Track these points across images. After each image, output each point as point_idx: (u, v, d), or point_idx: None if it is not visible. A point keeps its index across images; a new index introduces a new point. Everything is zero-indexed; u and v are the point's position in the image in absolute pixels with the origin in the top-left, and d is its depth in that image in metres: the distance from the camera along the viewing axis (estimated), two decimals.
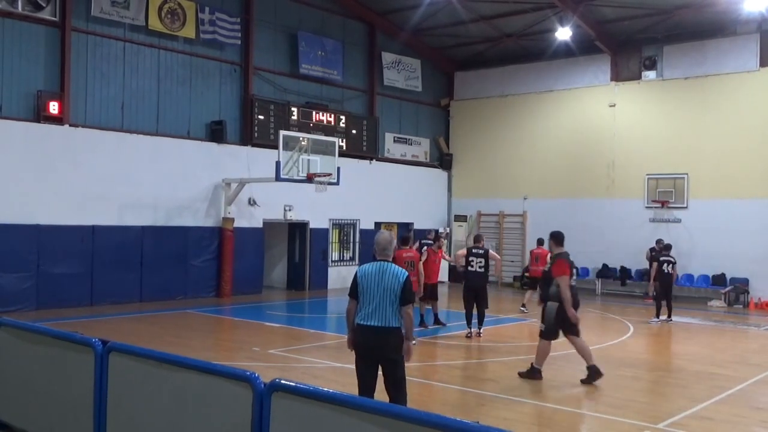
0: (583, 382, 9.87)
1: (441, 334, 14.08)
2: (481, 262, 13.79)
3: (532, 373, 10.08)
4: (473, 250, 13.93)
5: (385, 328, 6.54)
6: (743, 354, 13.03)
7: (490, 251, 14.29)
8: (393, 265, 6.74)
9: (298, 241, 22.26)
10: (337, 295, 19.91)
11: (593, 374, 9.83)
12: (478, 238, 14.51)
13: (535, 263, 17.54)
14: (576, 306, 9.95)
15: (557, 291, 9.78)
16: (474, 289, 13.76)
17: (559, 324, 9.89)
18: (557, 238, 10.26)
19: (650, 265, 17.89)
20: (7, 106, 16.04)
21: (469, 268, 13.81)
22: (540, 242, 18.04)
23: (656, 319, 16.53)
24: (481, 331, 13.81)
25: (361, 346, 6.68)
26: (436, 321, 14.91)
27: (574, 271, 10.31)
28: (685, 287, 21.14)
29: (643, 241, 21.67)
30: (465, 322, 13.80)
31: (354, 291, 6.72)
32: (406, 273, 6.72)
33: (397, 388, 6.68)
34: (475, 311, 13.79)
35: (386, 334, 6.56)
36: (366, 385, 6.62)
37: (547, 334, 10.01)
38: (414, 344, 7.69)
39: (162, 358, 5.40)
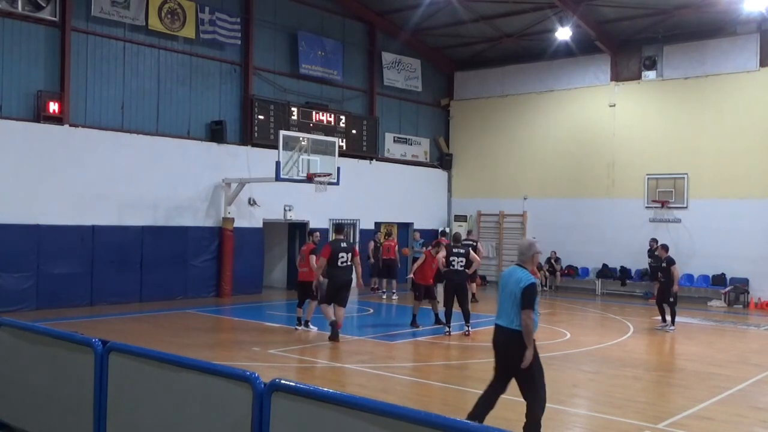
0: (330, 338, 12.84)
1: (440, 334, 14.06)
2: (462, 261, 13.84)
3: (333, 330, 12.86)
4: (454, 250, 13.96)
5: (505, 328, 6.86)
6: (743, 354, 13.02)
7: (471, 252, 14.34)
8: (523, 270, 6.89)
9: (298, 241, 22.24)
10: None
11: (333, 330, 12.89)
12: (457, 237, 14.81)
13: None
14: (340, 282, 12.87)
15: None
16: (455, 288, 13.82)
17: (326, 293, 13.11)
18: (336, 226, 14.14)
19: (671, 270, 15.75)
20: (7, 106, 16.05)
21: (451, 267, 13.84)
22: None
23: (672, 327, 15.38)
24: (469, 329, 13.86)
25: (493, 341, 7.09)
26: (437, 321, 14.91)
27: (344, 255, 12.81)
28: (685, 287, 21.10)
29: (643, 241, 21.66)
30: (450, 321, 13.90)
31: None
32: (531, 280, 6.80)
33: (526, 388, 6.82)
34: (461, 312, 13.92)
35: (506, 334, 6.85)
36: (494, 378, 7.06)
37: (321, 300, 13.28)
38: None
39: (162, 358, 5.39)
